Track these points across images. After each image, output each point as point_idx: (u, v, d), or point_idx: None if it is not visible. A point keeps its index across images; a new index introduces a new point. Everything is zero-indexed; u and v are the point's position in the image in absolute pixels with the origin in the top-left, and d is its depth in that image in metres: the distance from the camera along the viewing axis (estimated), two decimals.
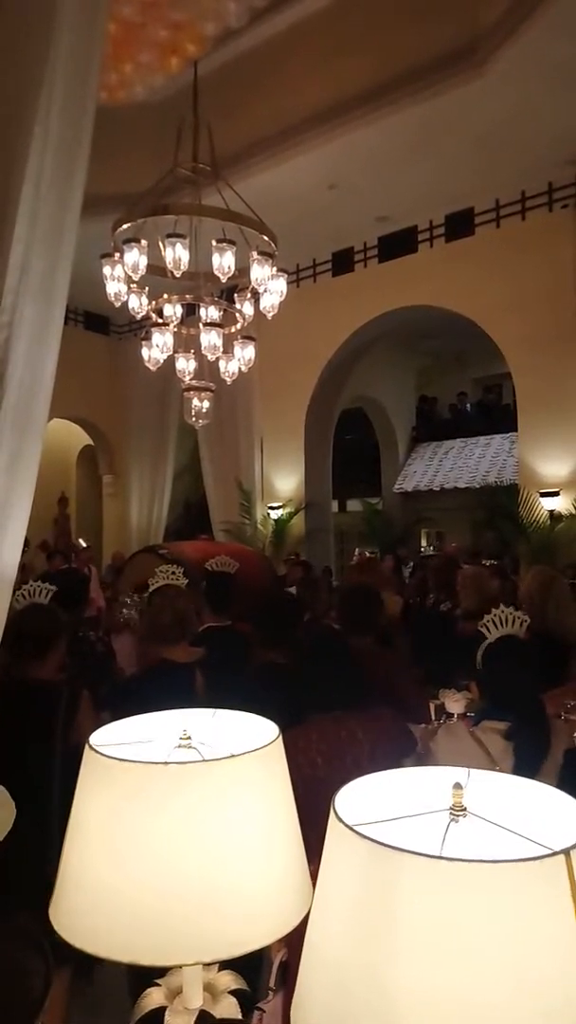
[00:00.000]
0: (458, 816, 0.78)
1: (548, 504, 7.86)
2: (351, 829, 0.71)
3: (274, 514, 10.16)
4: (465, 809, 0.78)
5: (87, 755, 0.97)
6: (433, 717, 2.51)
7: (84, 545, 8.25)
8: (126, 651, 4.53)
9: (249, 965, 1.08)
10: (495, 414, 13.51)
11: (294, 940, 1.18)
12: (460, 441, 13.96)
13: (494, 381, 13.74)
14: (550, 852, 0.66)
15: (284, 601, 2.92)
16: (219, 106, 5.83)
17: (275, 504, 10.25)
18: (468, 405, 14.36)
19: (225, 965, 1.05)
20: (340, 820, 0.73)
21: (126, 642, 4.69)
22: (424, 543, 13.81)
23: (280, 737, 1.03)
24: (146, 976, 1.08)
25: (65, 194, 1.47)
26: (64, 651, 2.47)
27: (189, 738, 1.04)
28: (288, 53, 7.04)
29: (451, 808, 0.79)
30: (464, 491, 12.58)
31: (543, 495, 7.89)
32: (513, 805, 0.82)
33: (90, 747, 0.97)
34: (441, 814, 0.80)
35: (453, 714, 2.44)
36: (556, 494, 7.83)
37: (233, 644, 3.15)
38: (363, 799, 0.82)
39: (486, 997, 0.62)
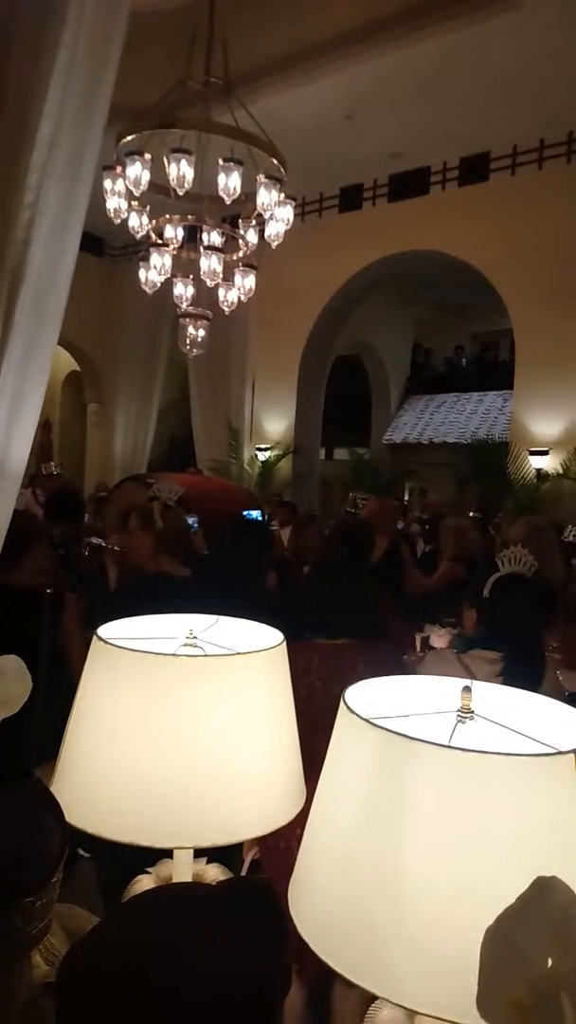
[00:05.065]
0: (465, 718, 0.80)
1: (537, 463, 7.90)
2: (364, 720, 0.72)
3: (261, 456, 10.10)
4: (473, 712, 0.80)
5: (94, 645, 0.97)
6: (418, 648, 2.57)
7: (55, 471, 7.33)
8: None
9: (223, 862, 1.11)
10: (491, 370, 13.41)
11: (268, 839, 1.21)
12: (453, 395, 13.86)
13: (493, 337, 13.59)
14: (561, 751, 0.67)
15: (253, 526, 2.84)
16: (236, 20, 5.49)
17: (263, 446, 10.17)
18: (464, 360, 14.21)
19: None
20: (352, 711, 0.74)
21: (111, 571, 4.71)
22: (407, 497, 13.86)
23: (285, 643, 1.03)
24: (123, 871, 1.10)
25: (99, 68, 1.37)
26: (41, 556, 2.44)
27: (195, 638, 1.05)
28: None
29: (459, 710, 0.80)
30: (452, 446, 12.54)
31: (532, 453, 7.92)
32: (518, 713, 0.83)
33: (98, 637, 0.97)
34: (448, 716, 0.81)
35: (436, 648, 2.51)
36: (545, 453, 7.86)
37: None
38: (369, 700, 0.83)
39: (493, 883, 0.63)
